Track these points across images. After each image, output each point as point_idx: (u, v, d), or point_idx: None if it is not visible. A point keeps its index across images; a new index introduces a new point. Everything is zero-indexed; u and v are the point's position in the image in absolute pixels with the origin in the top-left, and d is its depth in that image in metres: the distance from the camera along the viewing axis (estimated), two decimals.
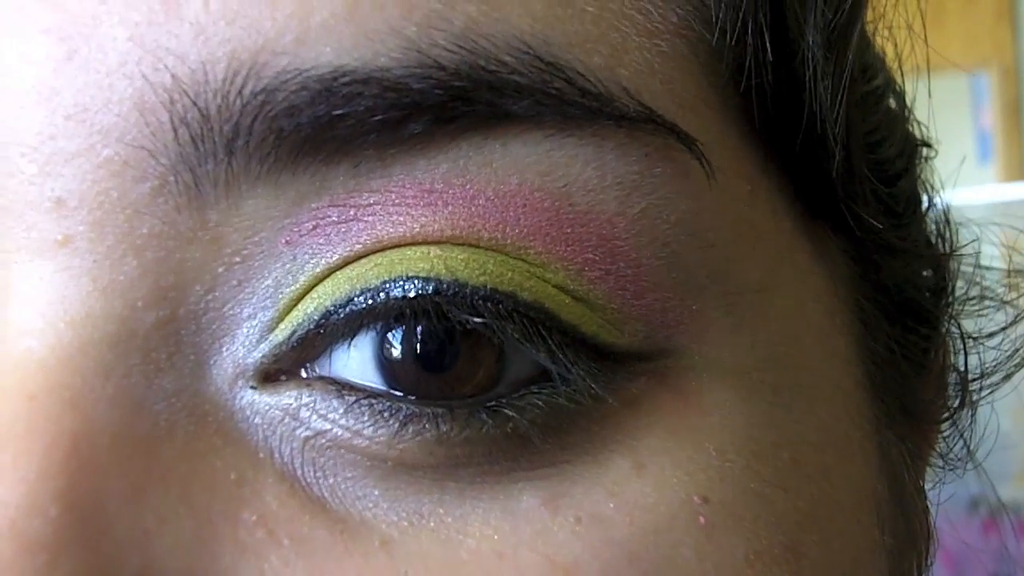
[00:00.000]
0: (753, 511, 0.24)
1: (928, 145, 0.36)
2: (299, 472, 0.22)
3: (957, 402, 0.35)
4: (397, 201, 0.22)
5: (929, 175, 0.36)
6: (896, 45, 0.34)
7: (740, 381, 0.24)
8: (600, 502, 0.22)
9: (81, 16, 0.22)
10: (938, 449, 0.35)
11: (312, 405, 0.23)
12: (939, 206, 0.36)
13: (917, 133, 0.35)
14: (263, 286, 0.22)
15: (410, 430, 0.22)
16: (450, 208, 0.22)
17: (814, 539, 0.25)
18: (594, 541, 0.22)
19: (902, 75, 0.34)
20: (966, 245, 0.35)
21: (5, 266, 0.22)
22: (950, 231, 0.35)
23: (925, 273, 0.33)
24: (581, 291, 0.23)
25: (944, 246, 0.35)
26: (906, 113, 0.35)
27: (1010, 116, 3.17)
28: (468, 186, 0.22)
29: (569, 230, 0.22)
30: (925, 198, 0.35)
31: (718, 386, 0.24)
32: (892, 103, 0.34)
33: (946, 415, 0.35)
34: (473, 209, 0.22)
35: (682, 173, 0.23)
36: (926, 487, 0.34)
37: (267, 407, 0.23)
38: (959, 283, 0.36)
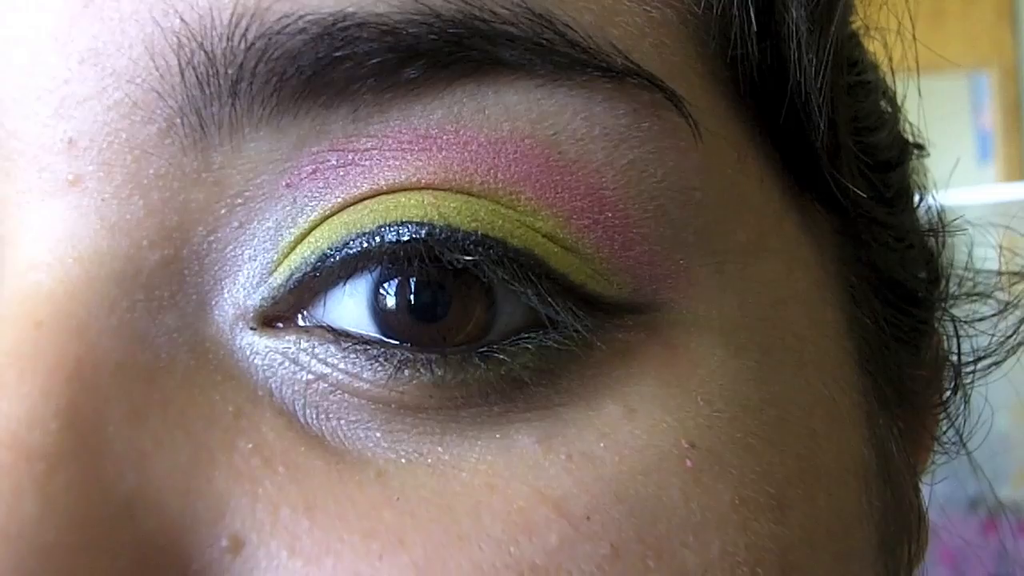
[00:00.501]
0: (740, 459, 0.24)
1: (921, 147, 0.37)
2: (300, 413, 0.23)
3: (951, 389, 0.36)
4: (393, 146, 0.23)
5: (925, 175, 0.37)
6: (886, 45, 0.35)
7: (729, 338, 0.25)
8: (591, 442, 0.23)
9: None
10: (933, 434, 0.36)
11: (311, 350, 0.23)
12: (934, 207, 0.37)
13: (911, 137, 0.36)
14: (264, 228, 0.23)
15: (406, 374, 0.23)
16: (444, 153, 0.23)
17: (800, 494, 0.25)
18: (584, 477, 0.23)
19: (894, 77, 0.35)
20: (957, 232, 0.36)
21: (17, 205, 0.23)
22: (943, 227, 0.36)
23: (918, 265, 0.34)
24: (570, 239, 0.23)
25: (938, 242, 0.36)
26: (899, 117, 0.36)
27: (1010, 116, 3.17)
28: (461, 132, 0.23)
29: (558, 178, 0.23)
30: (918, 198, 0.36)
31: (707, 341, 0.25)
32: (885, 104, 0.35)
33: (940, 402, 0.36)
34: (466, 154, 0.23)
35: (669, 130, 0.24)
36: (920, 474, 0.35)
37: (267, 349, 0.23)
38: (952, 282, 0.36)
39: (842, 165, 0.28)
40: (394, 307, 0.23)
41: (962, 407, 0.37)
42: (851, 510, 0.27)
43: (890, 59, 0.34)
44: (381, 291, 0.23)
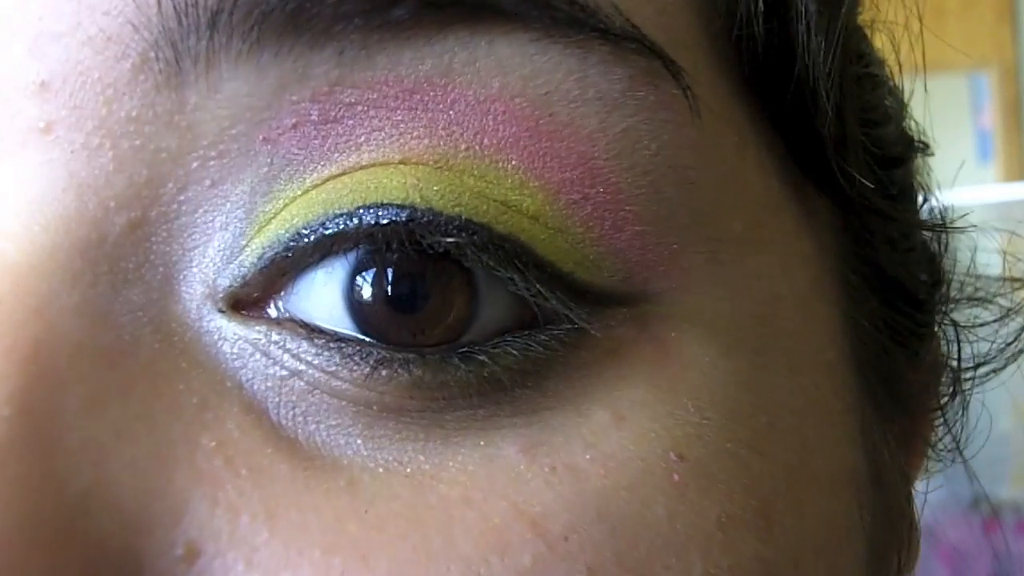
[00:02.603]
0: (728, 472, 0.23)
1: (926, 145, 0.36)
2: (273, 410, 0.22)
3: (949, 395, 0.35)
4: (378, 102, 0.22)
5: (927, 176, 0.37)
6: (894, 41, 0.34)
7: (721, 337, 0.24)
8: (577, 453, 0.22)
9: None
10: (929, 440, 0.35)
11: (282, 343, 0.22)
12: (937, 208, 0.36)
13: (916, 136, 0.35)
14: (237, 191, 0.22)
15: (383, 373, 0.22)
16: (430, 114, 0.22)
17: (787, 507, 0.24)
18: (566, 492, 0.22)
19: (901, 74, 0.34)
20: (960, 231, 0.36)
21: None
22: (946, 228, 0.35)
23: (920, 266, 0.33)
24: (558, 217, 0.22)
25: (940, 245, 0.35)
26: (904, 115, 0.35)
27: (1010, 116, 3.17)
28: (450, 88, 0.22)
29: (547, 144, 0.22)
30: (921, 199, 0.35)
31: (699, 339, 0.24)
32: (891, 101, 0.34)
33: (937, 407, 0.35)
34: (452, 115, 0.22)
35: (665, 102, 0.23)
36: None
37: (236, 337, 0.22)
38: (954, 286, 0.36)
39: (849, 154, 0.26)
40: (370, 298, 0.22)
41: (960, 413, 0.36)
42: (841, 522, 0.26)
43: (896, 52, 0.34)
44: (357, 281, 0.22)
